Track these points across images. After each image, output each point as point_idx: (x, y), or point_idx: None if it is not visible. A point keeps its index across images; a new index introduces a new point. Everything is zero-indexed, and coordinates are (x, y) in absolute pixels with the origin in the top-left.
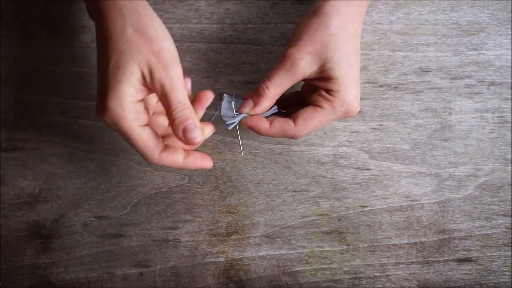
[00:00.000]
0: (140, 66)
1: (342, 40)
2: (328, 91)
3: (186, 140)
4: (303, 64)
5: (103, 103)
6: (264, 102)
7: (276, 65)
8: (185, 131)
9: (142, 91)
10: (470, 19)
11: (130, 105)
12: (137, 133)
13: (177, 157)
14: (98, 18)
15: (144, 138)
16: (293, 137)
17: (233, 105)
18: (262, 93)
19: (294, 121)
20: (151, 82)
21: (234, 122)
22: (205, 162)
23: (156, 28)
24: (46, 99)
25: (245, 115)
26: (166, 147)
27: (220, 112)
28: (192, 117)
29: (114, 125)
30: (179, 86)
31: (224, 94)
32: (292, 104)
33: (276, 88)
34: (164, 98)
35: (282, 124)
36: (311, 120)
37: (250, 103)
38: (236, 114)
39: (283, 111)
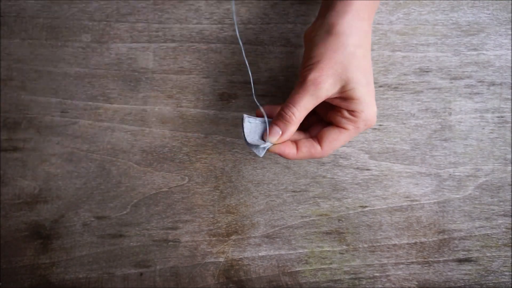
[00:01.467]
0: None
1: (360, 58)
2: (351, 111)
3: None
4: (326, 87)
5: None
6: (291, 128)
7: (298, 90)
8: None
9: None
10: (470, 19)
11: None
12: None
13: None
14: None
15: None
16: (320, 157)
17: (256, 127)
18: (290, 120)
19: (320, 143)
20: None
21: (264, 150)
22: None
23: None
24: (46, 99)
25: (271, 143)
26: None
27: (244, 136)
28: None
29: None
30: None
31: (244, 115)
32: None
33: (301, 113)
34: None
35: (309, 149)
36: (337, 142)
37: (277, 131)
38: (262, 141)
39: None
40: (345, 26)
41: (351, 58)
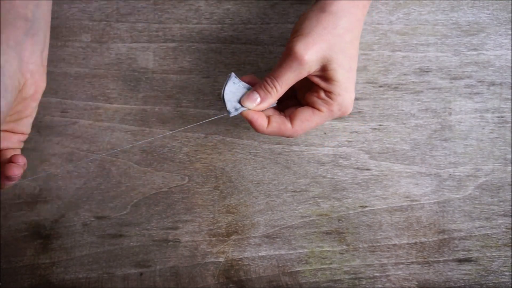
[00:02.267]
0: None
1: (347, 42)
2: (328, 92)
3: None
4: (310, 64)
5: None
6: (270, 100)
7: (283, 64)
8: None
9: None
10: (470, 19)
11: None
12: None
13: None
14: None
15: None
16: (288, 137)
17: (237, 89)
18: (271, 91)
19: (291, 122)
20: None
21: (237, 112)
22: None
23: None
24: (46, 99)
25: (246, 108)
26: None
27: (223, 92)
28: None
29: None
30: None
31: (232, 74)
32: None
33: (282, 87)
34: None
35: (280, 125)
36: (308, 123)
37: (256, 97)
38: (238, 104)
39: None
40: (339, 7)
41: (338, 40)
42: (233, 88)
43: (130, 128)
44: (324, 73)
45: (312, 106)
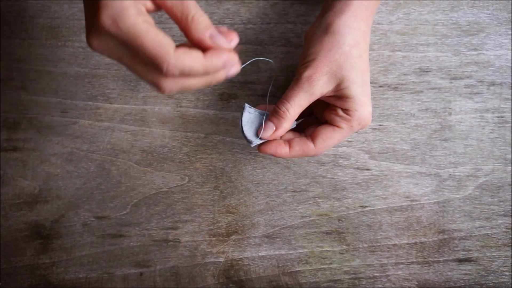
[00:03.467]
0: None
1: (356, 57)
2: (345, 110)
3: (216, 46)
4: (321, 85)
5: (97, 3)
6: (285, 125)
7: (293, 87)
8: (212, 36)
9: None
10: (470, 19)
11: (131, 2)
12: (144, 28)
13: (196, 54)
14: None
15: (152, 33)
16: (314, 155)
17: (254, 118)
18: (283, 116)
19: (313, 141)
20: None
21: (258, 142)
22: (230, 58)
23: None
24: (46, 99)
25: (264, 139)
26: (178, 47)
27: (241, 126)
28: (212, 27)
29: (112, 27)
30: None
31: (246, 105)
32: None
33: (295, 109)
34: (179, 2)
35: (302, 147)
36: (330, 140)
37: (271, 126)
38: (256, 137)
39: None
40: (341, 25)
41: (346, 57)
42: (250, 118)
43: (130, 128)
44: (338, 92)
45: (332, 123)
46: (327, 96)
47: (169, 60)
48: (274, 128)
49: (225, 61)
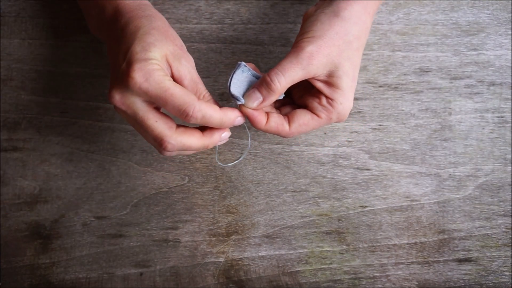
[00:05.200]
0: (167, 50)
1: (354, 50)
2: (329, 99)
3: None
4: (318, 65)
5: (130, 66)
6: (273, 98)
7: (291, 59)
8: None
9: (167, 71)
10: (470, 19)
11: (160, 66)
12: (171, 83)
13: (215, 106)
14: (117, 21)
15: (179, 87)
16: (284, 137)
17: (245, 78)
18: (273, 88)
19: (289, 123)
20: (179, 67)
21: (241, 103)
22: (239, 113)
23: (174, 31)
24: (46, 99)
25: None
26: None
27: (230, 82)
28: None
29: (144, 84)
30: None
31: (242, 63)
32: None
33: (288, 83)
34: (194, 84)
35: (278, 125)
36: (306, 127)
37: (258, 96)
38: (242, 98)
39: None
40: (352, 14)
41: (347, 46)
42: (241, 77)
43: (130, 128)
44: (330, 79)
45: (311, 111)
46: (316, 79)
47: (195, 105)
48: (261, 99)
49: (236, 115)
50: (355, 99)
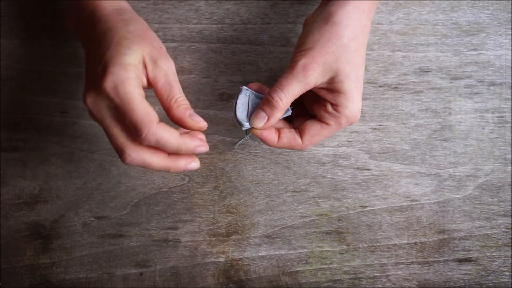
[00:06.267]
0: (143, 52)
1: (353, 52)
2: (334, 106)
3: (194, 123)
4: (315, 75)
5: (103, 70)
6: (277, 114)
7: (287, 75)
8: (191, 115)
9: (142, 76)
10: (470, 19)
11: (134, 73)
12: (138, 98)
13: (174, 131)
14: (94, 25)
15: (144, 104)
16: (299, 150)
17: (250, 101)
18: (276, 105)
19: (301, 137)
20: (154, 69)
21: (247, 128)
22: (201, 142)
23: (153, 33)
24: (46, 99)
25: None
26: (161, 122)
27: (235, 108)
28: (191, 109)
29: (112, 91)
30: (178, 80)
31: (243, 87)
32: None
33: (288, 98)
34: (168, 87)
35: (290, 140)
36: (318, 137)
37: (262, 116)
38: (247, 123)
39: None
40: (343, 16)
41: (343, 50)
42: (245, 101)
43: None
44: (331, 85)
45: (320, 119)
46: (319, 88)
47: (150, 127)
48: (266, 118)
49: (197, 144)
50: None
